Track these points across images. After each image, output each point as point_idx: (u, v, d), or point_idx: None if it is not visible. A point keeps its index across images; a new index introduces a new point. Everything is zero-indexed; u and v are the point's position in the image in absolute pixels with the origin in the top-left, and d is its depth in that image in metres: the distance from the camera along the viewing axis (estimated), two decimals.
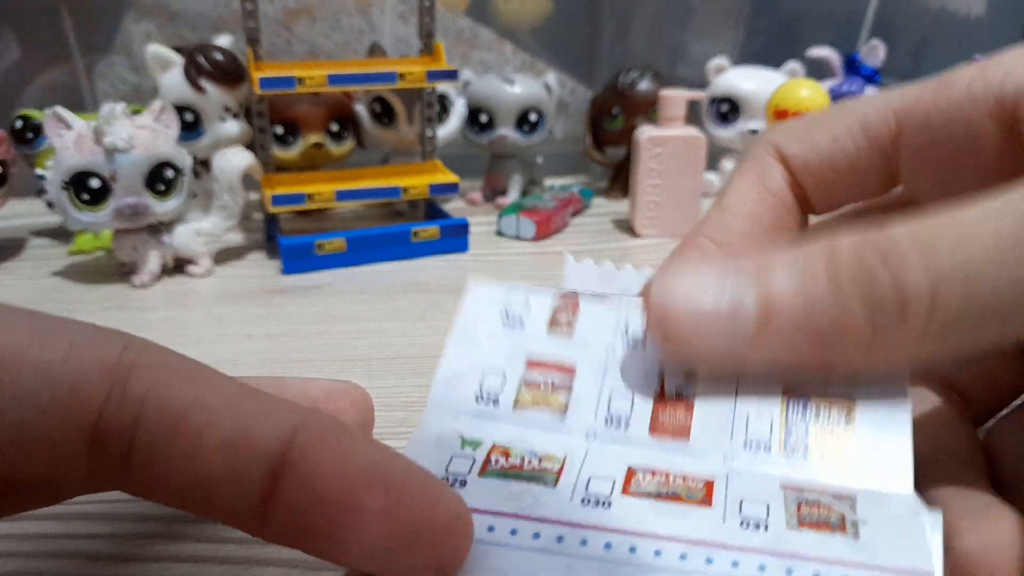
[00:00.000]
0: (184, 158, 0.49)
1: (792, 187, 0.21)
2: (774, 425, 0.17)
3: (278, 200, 0.51)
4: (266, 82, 0.49)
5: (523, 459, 0.16)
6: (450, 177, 0.55)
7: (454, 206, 0.64)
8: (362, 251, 0.52)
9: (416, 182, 0.54)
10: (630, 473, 0.16)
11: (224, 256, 0.54)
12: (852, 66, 0.63)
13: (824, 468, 0.16)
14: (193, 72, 0.54)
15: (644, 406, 0.17)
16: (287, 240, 0.51)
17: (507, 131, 0.62)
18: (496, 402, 0.18)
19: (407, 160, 0.61)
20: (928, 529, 0.15)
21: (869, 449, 0.16)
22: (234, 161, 0.50)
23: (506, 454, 0.17)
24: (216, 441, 0.12)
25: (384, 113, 0.60)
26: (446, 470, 0.16)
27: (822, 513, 0.15)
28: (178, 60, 0.55)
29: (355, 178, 0.55)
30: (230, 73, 0.55)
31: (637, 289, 0.20)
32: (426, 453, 0.17)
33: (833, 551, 0.14)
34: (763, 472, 0.16)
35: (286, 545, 0.13)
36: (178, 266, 0.51)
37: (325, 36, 0.67)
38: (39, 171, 0.47)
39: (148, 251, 0.49)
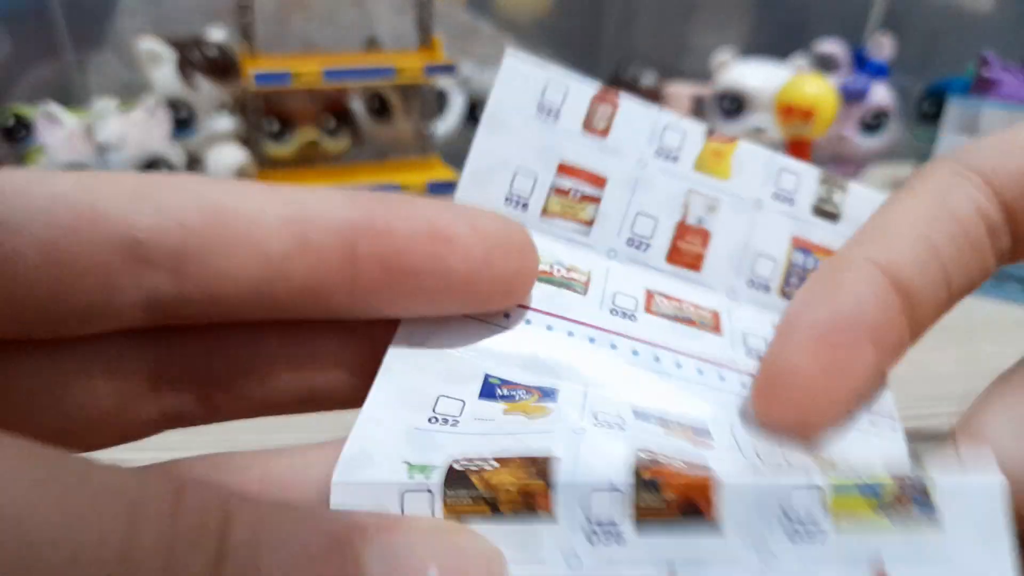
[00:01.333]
0: (178, 155, 0.48)
1: (985, 218, 0.15)
2: (779, 265, 0.18)
3: None
4: (261, 78, 0.48)
5: (551, 266, 0.17)
6: (448, 173, 0.54)
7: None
8: None
9: (414, 179, 0.53)
10: (649, 295, 0.17)
11: None
12: (860, 61, 0.61)
13: None
14: (186, 67, 0.53)
15: (666, 231, 0.18)
16: None
17: None
18: (525, 206, 0.17)
19: (403, 155, 0.59)
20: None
21: None
22: (228, 158, 0.49)
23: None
24: (274, 221, 0.12)
25: (381, 109, 0.59)
26: None
27: None
28: (170, 55, 0.54)
29: (351, 174, 0.54)
30: (223, 68, 0.54)
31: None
32: None
33: None
34: (761, 310, 0.17)
35: (373, 307, 0.14)
36: None
37: (319, 30, 0.66)
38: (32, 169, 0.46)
39: None
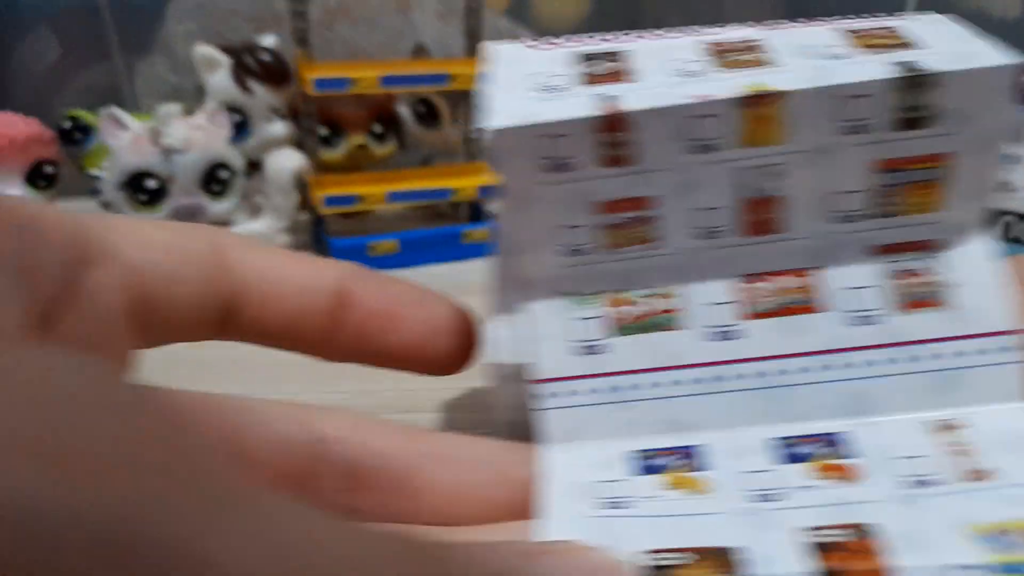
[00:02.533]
0: (237, 159, 0.49)
1: None
2: (863, 194, 0.17)
3: (330, 201, 0.51)
4: (320, 83, 0.49)
5: (643, 303, 0.17)
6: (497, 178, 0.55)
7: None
8: (414, 253, 0.52)
9: (465, 183, 0.54)
10: (741, 290, 0.17)
11: None
12: None
13: (909, 220, 0.17)
14: (241, 72, 0.54)
15: (732, 211, 0.17)
16: (339, 242, 0.50)
17: None
18: (585, 252, 0.17)
19: (449, 161, 0.60)
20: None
21: (956, 201, 0.17)
22: (287, 163, 0.50)
23: (627, 302, 0.17)
24: (294, 288, 0.17)
25: (428, 114, 0.60)
26: (583, 336, 0.17)
27: (920, 288, 0.16)
28: (225, 61, 0.55)
29: (403, 179, 0.55)
30: (277, 74, 0.55)
31: None
32: (553, 318, 0.17)
33: (933, 329, 0.16)
34: (854, 242, 0.17)
35: (349, 359, 0.18)
36: None
37: (365, 36, 0.67)
38: (94, 171, 0.47)
39: None
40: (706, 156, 0.16)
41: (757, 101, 0.16)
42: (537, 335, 0.17)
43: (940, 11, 0.20)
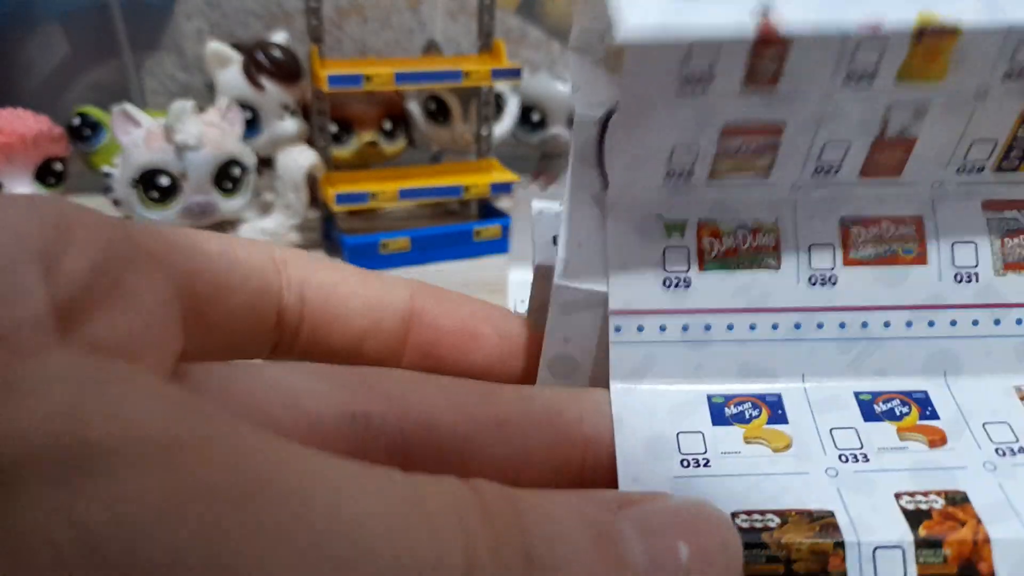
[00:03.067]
0: (250, 156, 0.49)
1: None
2: (998, 145, 0.16)
3: (341, 199, 0.51)
4: (334, 80, 0.48)
5: (735, 234, 0.16)
6: (508, 176, 0.55)
7: (504, 205, 0.64)
8: (426, 250, 0.52)
9: (476, 181, 0.54)
10: (845, 232, 0.16)
11: None
12: None
13: None
14: (252, 69, 0.54)
15: (860, 150, 0.15)
16: (352, 239, 0.50)
17: (560, 130, 0.62)
18: (690, 174, 0.15)
19: (459, 158, 0.60)
20: None
21: None
22: (299, 160, 0.50)
23: (716, 234, 0.16)
24: (360, 305, 0.16)
25: (439, 111, 0.59)
26: (664, 268, 0.16)
27: (1023, 249, 0.16)
28: (237, 57, 0.54)
29: (414, 176, 0.55)
30: (289, 71, 0.55)
31: None
32: (632, 244, 0.16)
33: None
34: (969, 194, 0.16)
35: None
36: None
37: (375, 34, 0.66)
38: (106, 168, 0.46)
39: None
40: (857, 86, 0.15)
41: (933, 35, 0.14)
42: (612, 261, 0.16)
43: None
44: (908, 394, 0.15)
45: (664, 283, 0.16)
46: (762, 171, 0.16)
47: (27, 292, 0.10)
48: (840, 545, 0.12)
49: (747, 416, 0.15)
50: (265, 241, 0.17)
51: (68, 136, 0.54)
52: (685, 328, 0.16)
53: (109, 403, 0.09)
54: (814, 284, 0.16)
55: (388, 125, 0.60)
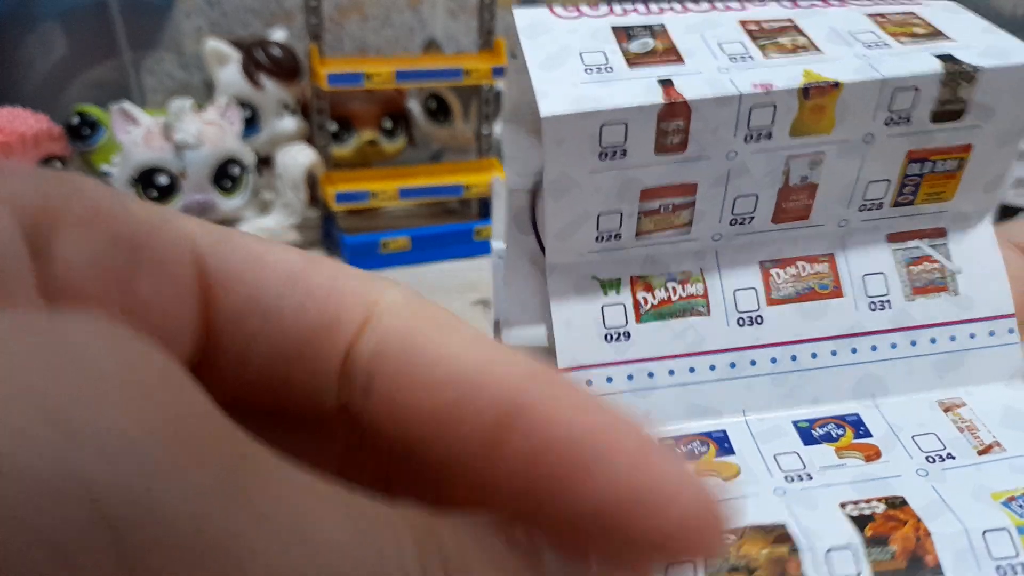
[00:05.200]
0: (248, 155, 0.49)
1: None
2: (892, 183, 0.17)
3: (341, 198, 0.51)
4: (334, 78, 0.48)
5: (667, 286, 0.17)
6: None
7: None
8: (426, 249, 0.51)
9: (477, 179, 0.53)
10: (765, 274, 0.17)
11: None
12: None
13: (924, 209, 0.18)
14: (251, 68, 0.54)
15: (768, 200, 0.17)
16: (351, 239, 0.50)
17: None
18: (618, 237, 0.17)
19: (459, 157, 0.60)
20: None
21: (968, 192, 0.17)
22: (299, 158, 0.50)
23: (649, 287, 0.17)
24: (453, 377, 0.12)
25: (439, 110, 0.59)
26: (604, 324, 0.17)
27: (929, 274, 0.17)
28: (236, 55, 0.54)
29: (414, 176, 0.54)
30: (288, 69, 0.55)
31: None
32: (572, 305, 0.17)
33: (942, 313, 0.17)
34: (874, 228, 0.17)
35: (506, 495, 0.13)
36: None
37: (374, 32, 0.66)
38: (105, 167, 0.46)
39: None
40: (758, 144, 0.17)
41: (817, 92, 0.16)
42: (556, 321, 0.17)
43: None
44: (842, 417, 0.16)
45: (606, 338, 0.17)
46: (683, 227, 0.17)
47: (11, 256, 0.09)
48: (795, 551, 0.13)
49: (696, 452, 0.16)
50: (377, 276, 0.13)
51: (67, 135, 0.53)
52: (630, 377, 0.17)
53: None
54: (742, 325, 0.17)
55: (388, 124, 0.60)
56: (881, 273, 0.17)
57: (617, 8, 0.18)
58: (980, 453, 0.15)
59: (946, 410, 0.16)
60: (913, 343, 0.17)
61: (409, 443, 0.13)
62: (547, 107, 0.15)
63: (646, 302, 0.17)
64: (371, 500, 0.10)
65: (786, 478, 0.15)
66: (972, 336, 0.17)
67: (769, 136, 0.16)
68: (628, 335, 0.17)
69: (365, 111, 0.58)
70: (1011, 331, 0.17)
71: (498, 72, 0.51)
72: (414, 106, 0.60)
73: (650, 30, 0.17)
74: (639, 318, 0.17)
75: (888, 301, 0.17)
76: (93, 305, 0.10)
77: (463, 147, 0.60)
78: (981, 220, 0.18)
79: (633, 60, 0.16)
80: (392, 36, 0.66)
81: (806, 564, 0.13)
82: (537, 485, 0.12)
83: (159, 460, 0.07)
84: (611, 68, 0.16)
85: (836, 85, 0.16)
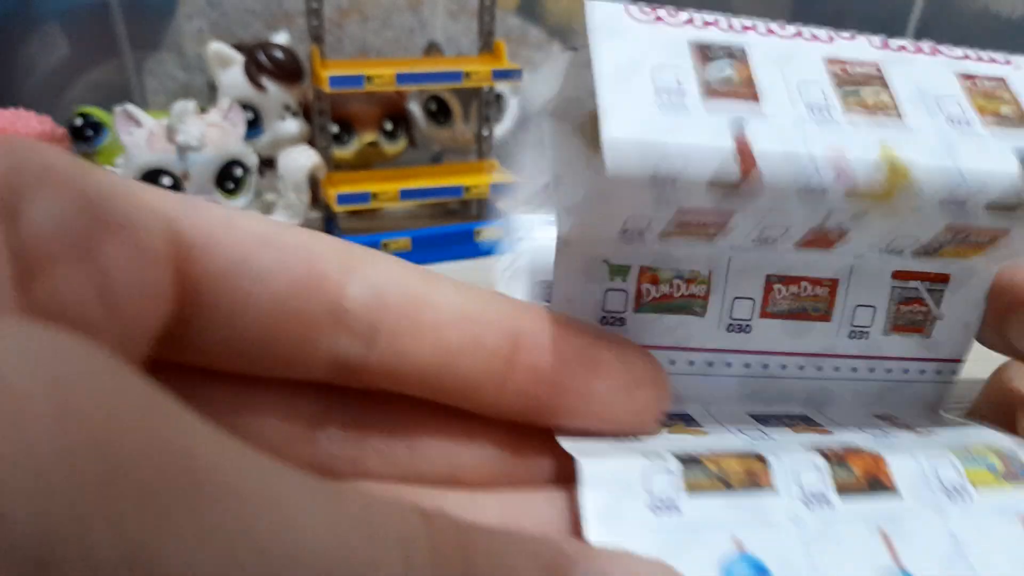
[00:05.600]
0: (251, 157, 0.49)
1: None
2: (920, 240, 0.17)
3: (343, 199, 0.51)
4: (335, 80, 0.48)
5: (672, 283, 0.17)
6: (510, 176, 0.55)
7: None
8: (427, 251, 0.52)
9: (477, 181, 0.54)
10: (768, 288, 0.18)
11: None
12: None
13: (939, 261, 0.18)
14: (254, 70, 0.54)
15: (799, 232, 0.16)
16: (353, 239, 0.50)
17: None
18: (642, 234, 0.16)
19: (460, 159, 0.61)
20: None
21: (987, 258, 0.18)
22: (300, 160, 0.50)
23: (655, 280, 0.17)
24: (456, 315, 0.13)
25: (440, 112, 0.60)
26: (603, 308, 0.17)
27: (913, 315, 0.18)
28: (238, 58, 0.54)
29: (415, 177, 0.55)
30: (291, 71, 0.55)
31: None
32: (577, 283, 0.17)
33: (907, 350, 0.18)
34: (886, 264, 0.18)
35: (518, 412, 0.14)
36: None
37: (375, 34, 0.66)
38: (108, 169, 0.46)
39: None
40: (810, 197, 0.16)
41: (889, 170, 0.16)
42: (556, 297, 0.17)
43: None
44: (791, 415, 0.18)
45: (601, 320, 0.17)
46: (708, 237, 0.17)
47: None
48: (765, 463, 0.15)
49: (665, 423, 0.17)
50: (342, 241, 0.14)
51: (71, 136, 0.54)
52: None
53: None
54: (731, 331, 0.18)
55: (389, 125, 0.60)
56: (872, 307, 0.18)
57: (697, 19, 0.16)
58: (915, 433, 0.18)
59: (877, 416, 0.18)
60: (872, 370, 0.18)
61: (414, 385, 0.14)
62: (611, 130, 0.14)
63: (648, 293, 0.17)
64: (379, 501, 0.10)
65: (751, 437, 0.16)
66: (922, 372, 0.19)
67: (824, 193, 0.16)
68: (623, 321, 0.17)
69: (366, 113, 0.59)
70: (953, 372, 0.19)
71: (498, 74, 0.52)
72: (415, 108, 0.60)
73: (730, 53, 0.16)
74: (638, 307, 0.17)
75: (867, 332, 0.18)
76: (59, 267, 0.10)
77: (463, 148, 0.61)
78: (987, 275, 0.18)
79: (709, 91, 0.15)
80: (392, 37, 0.67)
81: (777, 474, 0.15)
82: (540, 402, 0.14)
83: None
84: (683, 92, 0.15)
85: (906, 173, 0.15)
